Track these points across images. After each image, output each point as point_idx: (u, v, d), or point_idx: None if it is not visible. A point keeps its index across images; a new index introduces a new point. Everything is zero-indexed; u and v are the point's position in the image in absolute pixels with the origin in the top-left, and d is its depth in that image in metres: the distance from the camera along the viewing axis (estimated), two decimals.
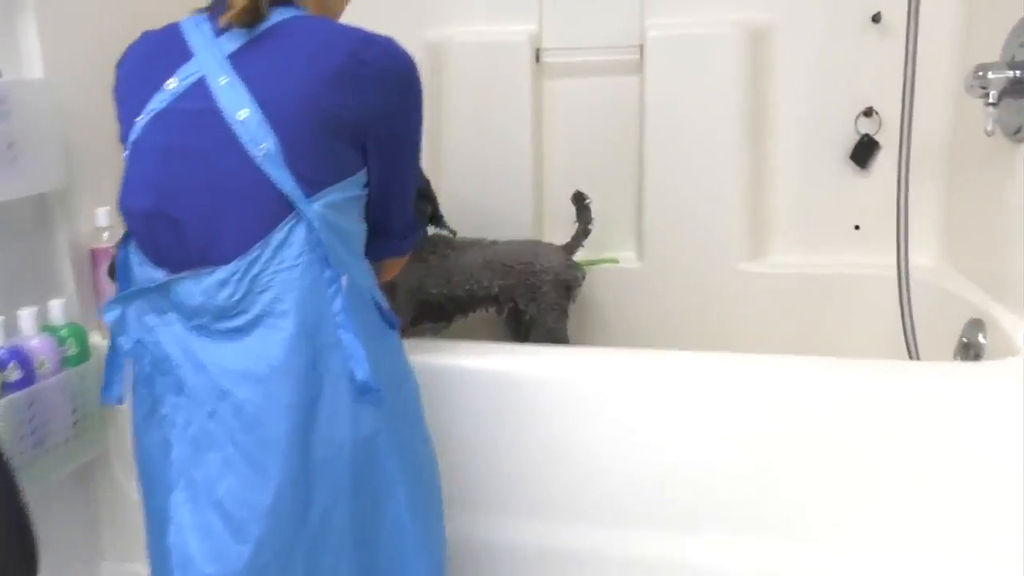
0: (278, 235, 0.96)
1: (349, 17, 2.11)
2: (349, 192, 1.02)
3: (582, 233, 1.92)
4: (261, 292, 0.96)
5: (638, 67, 1.97)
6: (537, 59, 2.01)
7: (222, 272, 0.96)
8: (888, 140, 1.89)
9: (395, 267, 1.24)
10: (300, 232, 0.97)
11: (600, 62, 2.01)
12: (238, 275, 0.95)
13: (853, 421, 1.23)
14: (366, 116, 1.00)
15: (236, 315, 0.96)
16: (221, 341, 0.97)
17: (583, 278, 1.91)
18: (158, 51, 1.07)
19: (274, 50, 1.01)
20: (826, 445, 1.25)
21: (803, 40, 1.93)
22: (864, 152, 1.95)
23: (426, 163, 2.08)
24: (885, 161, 1.92)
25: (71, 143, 1.43)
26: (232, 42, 1.01)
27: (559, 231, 2.00)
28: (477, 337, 2.03)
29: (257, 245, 0.96)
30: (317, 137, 0.98)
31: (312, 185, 0.97)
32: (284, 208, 0.97)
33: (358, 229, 1.07)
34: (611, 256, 2.09)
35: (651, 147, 1.98)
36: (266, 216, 0.97)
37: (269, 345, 0.96)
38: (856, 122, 1.94)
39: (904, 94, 1.63)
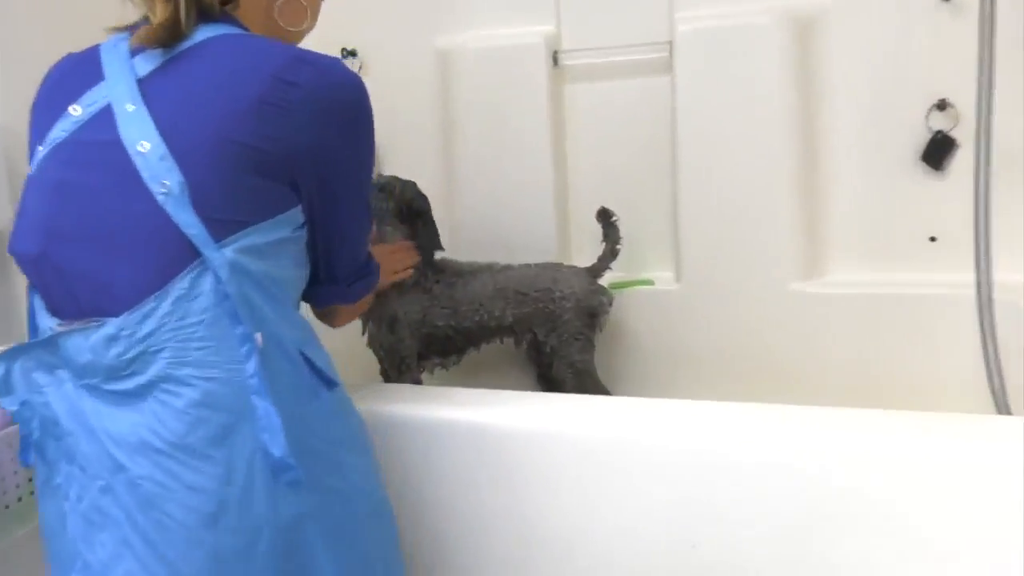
0: (179, 285, 0.81)
1: (351, 28, 2.04)
2: (276, 234, 0.87)
3: (609, 254, 1.71)
4: (157, 352, 0.81)
5: (668, 66, 1.75)
6: (555, 62, 1.82)
7: (110, 326, 0.81)
8: (967, 137, 1.61)
9: (349, 313, 1.09)
10: (207, 282, 0.82)
11: (625, 62, 1.80)
12: (127, 331, 0.80)
13: (919, 490, 0.99)
14: (295, 149, 0.87)
15: (128, 376, 0.81)
16: (114, 405, 0.82)
17: (610, 303, 1.70)
18: (71, 73, 0.94)
19: (190, 73, 0.87)
20: (881, 516, 1.01)
21: (860, 25, 1.67)
22: (939, 152, 1.67)
23: (436, 179, 1.93)
24: (964, 162, 1.64)
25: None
26: (147, 64, 0.88)
27: (587, 252, 1.80)
28: (497, 371, 1.84)
29: (152, 297, 0.81)
30: (233, 173, 0.84)
31: (224, 227, 0.83)
32: (188, 254, 0.82)
33: (292, 275, 0.92)
34: (645, 277, 1.88)
35: (686, 154, 1.76)
36: (166, 263, 0.82)
37: (167, 415, 0.80)
38: (928, 117, 1.67)
39: (980, 82, 1.37)
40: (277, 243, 0.87)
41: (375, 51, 1.97)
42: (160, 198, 0.81)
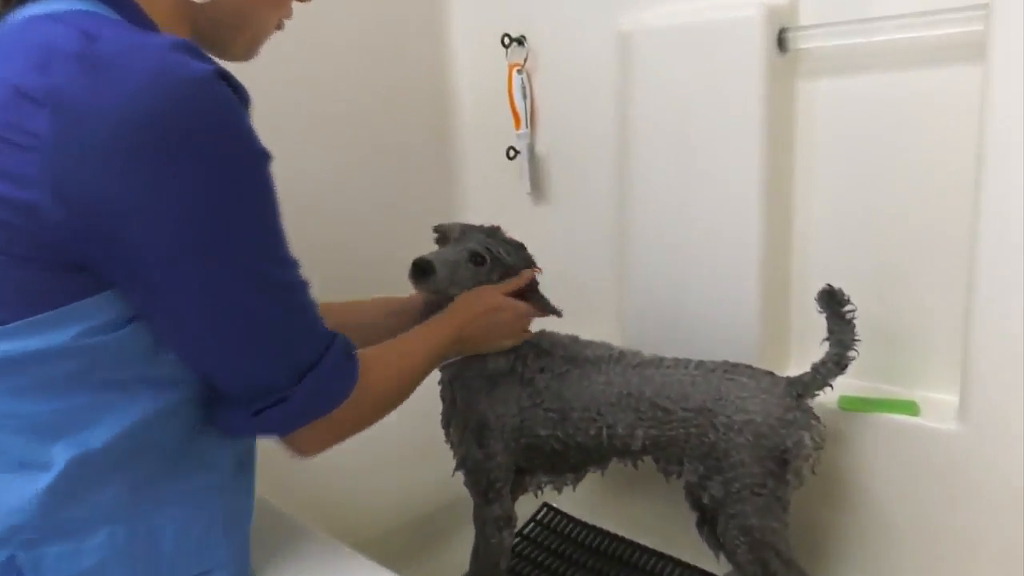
0: None
1: (517, 10, 1.56)
2: (47, 337, 0.58)
3: (833, 363, 1.02)
4: None
5: (977, 48, 1.01)
6: (782, 46, 1.17)
7: None
8: None
9: (327, 432, 0.71)
10: None
11: (898, 44, 1.09)
12: None
13: None
14: (59, 198, 0.54)
15: None
16: None
17: (817, 445, 1.02)
18: None
19: None
20: None
21: None
22: None
23: (602, 205, 1.43)
24: None
25: None
26: None
27: (813, 352, 1.12)
28: (651, 486, 1.26)
29: None
30: None
31: None
32: None
33: (72, 405, 0.60)
34: (905, 399, 1.15)
35: (997, 189, 1.00)
36: None
37: None
38: None
39: None
40: (53, 354, 0.57)
41: (545, 37, 1.49)
42: None
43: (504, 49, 1.51)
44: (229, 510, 0.70)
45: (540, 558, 1.42)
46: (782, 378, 1.04)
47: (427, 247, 1.09)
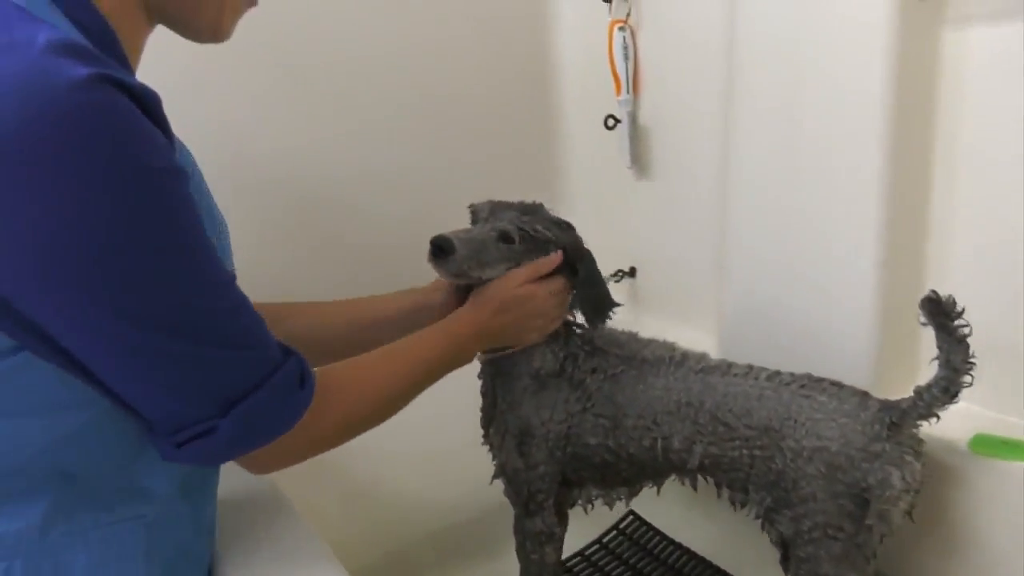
0: None
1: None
2: None
3: (940, 389, 0.80)
4: None
5: None
6: None
7: None
8: None
9: (263, 462, 0.65)
10: None
11: None
12: None
13: None
14: None
15: None
16: None
17: (910, 488, 0.81)
18: None
19: None
20: None
21: None
22: None
23: (712, 193, 1.27)
24: None
25: None
26: None
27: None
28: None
29: None
30: None
31: None
32: None
33: None
34: None
35: None
36: None
37: None
38: None
39: None
40: None
41: None
42: None
43: (606, 4, 1.36)
44: (159, 546, 0.63)
45: (616, 572, 1.29)
46: (874, 401, 0.84)
47: None
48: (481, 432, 1.02)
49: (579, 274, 0.94)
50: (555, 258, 0.91)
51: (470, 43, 1.43)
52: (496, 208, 0.93)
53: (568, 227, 0.95)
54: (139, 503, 0.62)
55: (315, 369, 0.66)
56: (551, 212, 0.96)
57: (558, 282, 0.92)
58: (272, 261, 1.29)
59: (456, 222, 0.95)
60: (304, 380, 0.63)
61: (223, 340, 0.57)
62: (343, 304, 0.94)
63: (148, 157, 0.51)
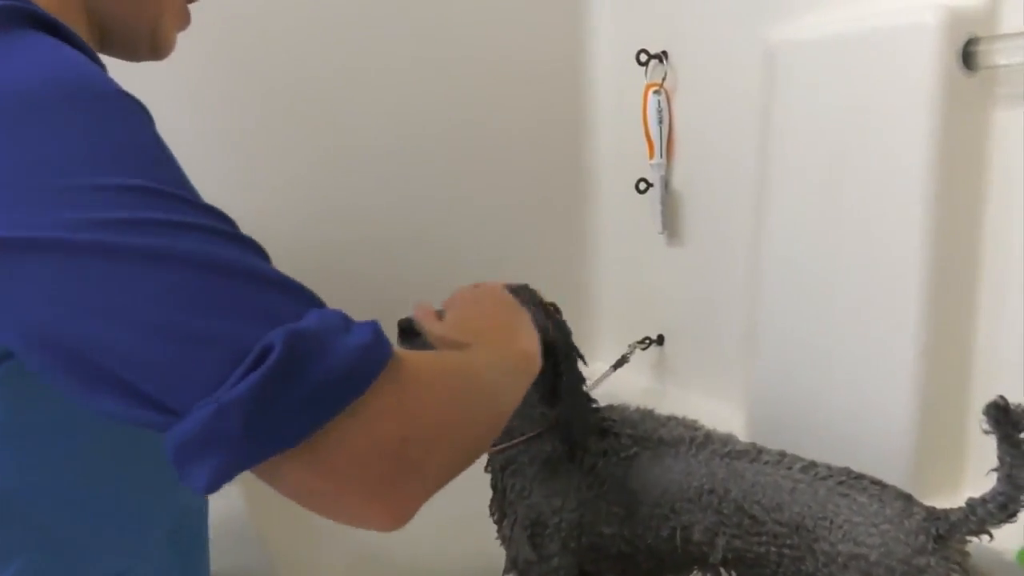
0: None
1: (656, 24, 1.37)
2: None
3: (997, 505, 0.71)
4: None
5: None
6: (968, 62, 0.89)
7: None
8: None
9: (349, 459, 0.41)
10: None
11: None
12: None
13: None
14: None
15: None
16: None
17: None
18: None
19: None
20: None
21: None
22: None
23: (745, 263, 1.22)
24: None
25: None
26: None
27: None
28: None
29: None
30: None
31: None
32: None
33: None
34: None
35: None
36: None
37: None
38: None
39: None
40: None
41: (687, 53, 1.29)
42: None
43: (641, 68, 1.34)
44: None
45: None
46: (919, 507, 0.77)
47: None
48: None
49: (562, 377, 0.88)
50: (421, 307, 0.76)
51: (502, 102, 1.42)
52: None
53: (553, 313, 0.90)
54: (116, 559, 0.56)
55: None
56: (537, 294, 0.91)
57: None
58: None
59: (480, 277, 0.91)
60: (377, 333, 0.43)
61: (243, 272, 0.41)
62: None
63: (88, 76, 0.44)
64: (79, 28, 0.56)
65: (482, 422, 0.52)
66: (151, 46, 0.62)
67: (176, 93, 1.14)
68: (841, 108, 0.99)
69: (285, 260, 1.34)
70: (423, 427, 0.43)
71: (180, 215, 0.42)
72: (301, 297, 0.43)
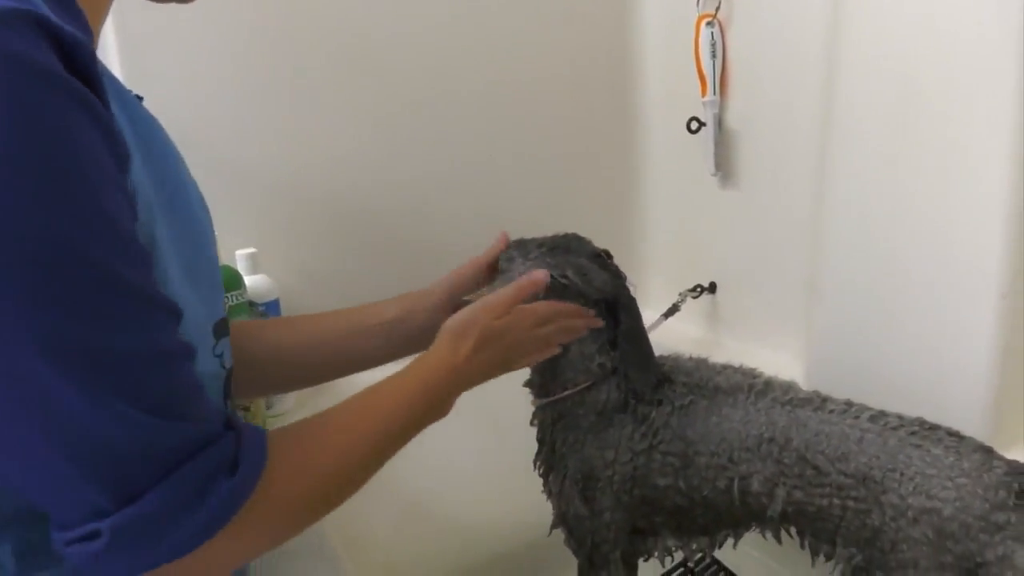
0: None
1: None
2: None
3: None
4: None
5: None
6: None
7: None
8: None
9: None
10: None
11: None
12: None
13: None
14: None
15: None
16: None
17: None
18: None
19: None
20: None
21: None
22: None
23: (806, 205, 1.14)
24: None
25: None
26: None
27: None
28: None
29: None
30: None
31: None
32: None
33: None
34: None
35: None
36: None
37: None
38: None
39: None
40: None
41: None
42: None
43: None
44: None
45: None
46: (1000, 460, 0.71)
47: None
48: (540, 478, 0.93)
49: (620, 325, 0.84)
50: (538, 275, 0.79)
51: (545, 38, 1.36)
52: (523, 250, 0.84)
53: (606, 264, 0.85)
54: None
55: (268, 434, 0.53)
56: (587, 242, 0.87)
57: (545, 306, 0.79)
58: (337, 264, 1.25)
59: (525, 228, 0.88)
60: (253, 452, 0.50)
61: (124, 384, 0.43)
62: (330, 316, 0.85)
63: (40, 92, 0.40)
64: None
65: (334, 496, 0.58)
66: None
67: (218, 50, 1.11)
68: (917, 33, 0.91)
69: (325, 215, 1.32)
70: (261, 541, 0.52)
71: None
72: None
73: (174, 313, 0.48)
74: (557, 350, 0.82)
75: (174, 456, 0.46)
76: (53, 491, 0.44)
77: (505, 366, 0.77)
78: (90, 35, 0.49)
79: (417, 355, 0.72)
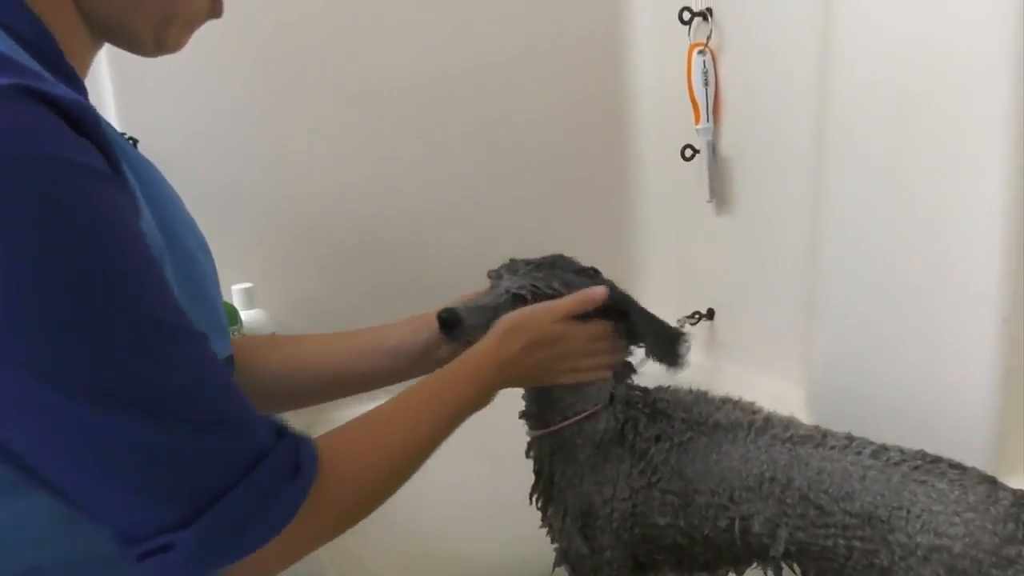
0: None
1: None
2: None
3: None
4: None
5: None
6: None
7: None
8: None
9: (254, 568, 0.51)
10: None
11: None
12: None
13: None
14: None
15: None
16: None
17: None
18: None
19: None
20: None
21: None
22: None
23: (802, 230, 1.13)
24: None
25: None
26: None
27: None
28: None
29: None
30: None
31: None
32: None
33: None
34: None
35: None
36: None
37: None
38: None
39: None
40: None
41: (733, 9, 1.21)
42: None
43: (684, 27, 1.25)
44: None
45: None
46: (1005, 492, 0.70)
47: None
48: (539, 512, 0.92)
49: (630, 316, 0.84)
50: (599, 292, 0.80)
51: (539, 69, 1.36)
52: (511, 267, 0.85)
53: (595, 274, 0.86)
54: None
55: (316, 440, 0.54)
56: (574, 261, 0.87)
57: (600, 326, 0.81)
58: (335, 297, 1.24)
59: (521, 255, 0.88)
60: (299, 467, 0.51)
61: (180, 411, 0.46)
62: (339, 336, 0.86)
63: (61, 151, 0.42)
64: (73, 29, 0.52)
65: (381, 495, 0.60)
66: (156, 46, 0.58)
67: (213, 85, 1.11)
68: (910, 57, 0.91)
69: (322, 249, 1.32)
70: (321, 529, 0.54)
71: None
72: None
73: (205, 335, 0.50)
74: (607, 374, 0.84)
75: (241, 462, 0.48)
76: (122, 514, 0.46)
77: (549, 373, 0.80)
78: (85, 91, 0.50)
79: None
